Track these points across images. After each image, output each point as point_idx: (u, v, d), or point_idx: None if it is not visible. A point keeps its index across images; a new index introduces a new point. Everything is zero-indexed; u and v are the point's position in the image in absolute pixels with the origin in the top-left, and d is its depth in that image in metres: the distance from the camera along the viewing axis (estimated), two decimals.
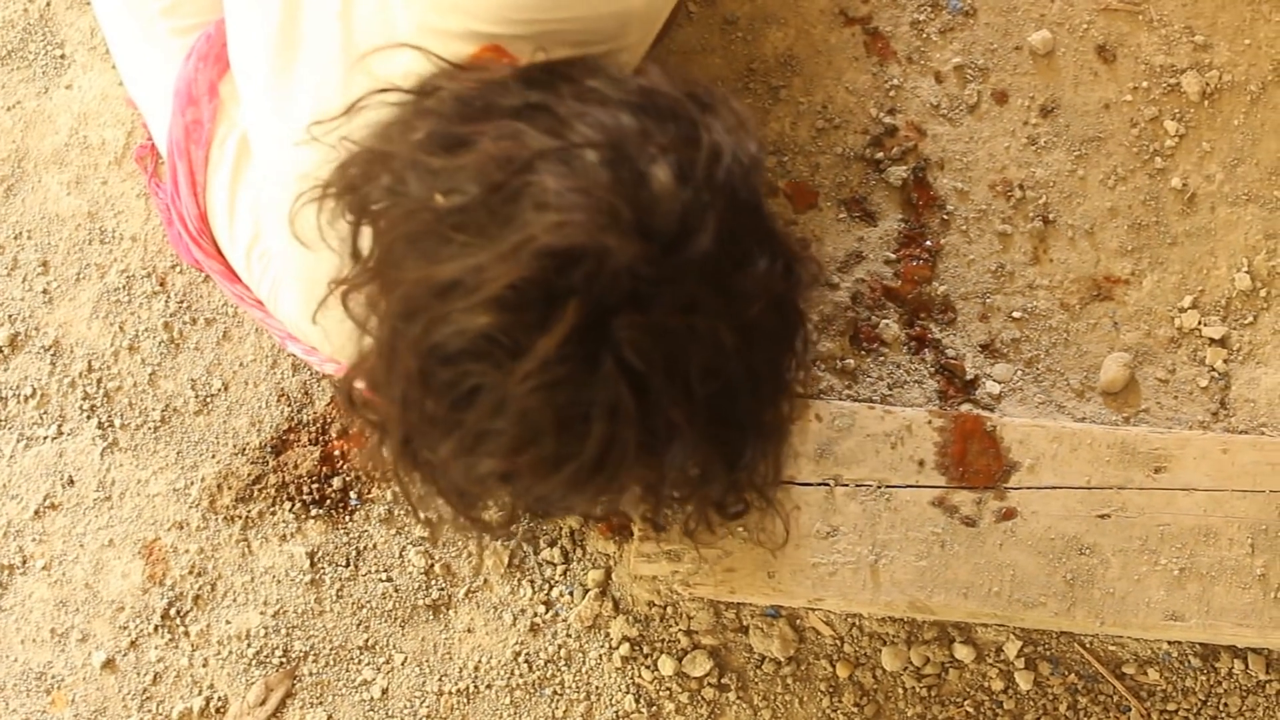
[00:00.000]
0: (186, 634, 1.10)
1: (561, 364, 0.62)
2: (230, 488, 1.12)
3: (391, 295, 0.67)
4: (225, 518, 1.12)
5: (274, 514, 1.12)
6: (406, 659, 1.10)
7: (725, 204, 0.65)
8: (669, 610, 1.10)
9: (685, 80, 0.70)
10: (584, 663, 1.10)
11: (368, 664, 1.10)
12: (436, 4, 0.77)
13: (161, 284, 1.16)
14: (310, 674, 1.10)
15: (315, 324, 0.81)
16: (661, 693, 1.09)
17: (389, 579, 1.11)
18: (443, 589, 1.11)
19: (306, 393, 1.14)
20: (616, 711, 1.09)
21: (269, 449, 1.13)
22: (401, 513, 1.12)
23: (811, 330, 0.75)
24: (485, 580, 1.11)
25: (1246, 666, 1.10)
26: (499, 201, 0.63)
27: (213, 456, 1.13)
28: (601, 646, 1.10)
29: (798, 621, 1.10)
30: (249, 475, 1.12)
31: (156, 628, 1.10)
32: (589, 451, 0.65)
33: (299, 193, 0.76)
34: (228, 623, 1.10)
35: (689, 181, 0.64)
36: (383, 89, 0.74)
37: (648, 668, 1.09)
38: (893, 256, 1.16)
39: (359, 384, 0.75)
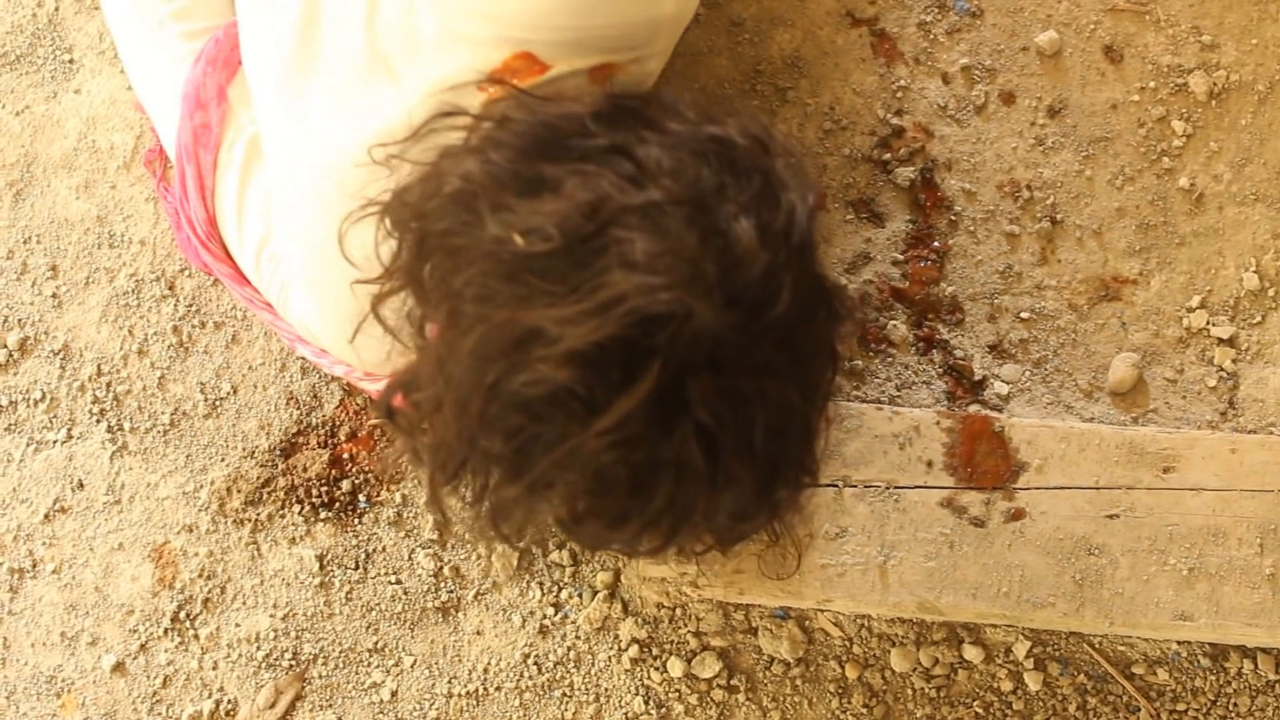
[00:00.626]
0: (196, 637, 1.10)
1: (639, 423, 0.62)
2: (239, 491, 1.12)
3: (466, 332, 0.66)
4: (234, 521, 1.12)
5: (283, 517, 1.12)
6: (416, 661, 1.10)
7: (799, 264, 0.66)
8: (678, 612, 1.10)
9: (747, 120, 0.70)
10: (593, 664, 1.10)
11: (377, 666, 1.10)
12: (466, 10, 0.75)
13: (170, 288, 1.16)
14: (320, 676, 1.10)
15: (351, 342, 0.81)
16: (670, 694, 1.09)
17: (398, 581, 1.11)
18: (452, 591, 1.11)
19: (315, 396, 1.14)
20: (625, 713, 1.09)
21: (278, 452, 1.13)
22: (410, 515, 1.12)
23: (842, 360, 0.76)
24: (494, 583, 1.11)
25: (1256, 666, 1.10)
26: (585, 253, 0.63)
27: (222, 460, 1.13)
28: (610, 648, 1.10)
29: (806, 623, 1.10)
30: (258, 478, 1.13)
31: (166, 631, 1.10)
32: (655, 507, 0.66)
33: (348, 210, 0.76)
34: (237, 625, 1.10)
35: (768, 243, 0.64)
36: (450, 113, 0.73)
37: (657, 669, 1.09)
38: (900, 257, 1.16)
39: (398, 400, 0.75)
